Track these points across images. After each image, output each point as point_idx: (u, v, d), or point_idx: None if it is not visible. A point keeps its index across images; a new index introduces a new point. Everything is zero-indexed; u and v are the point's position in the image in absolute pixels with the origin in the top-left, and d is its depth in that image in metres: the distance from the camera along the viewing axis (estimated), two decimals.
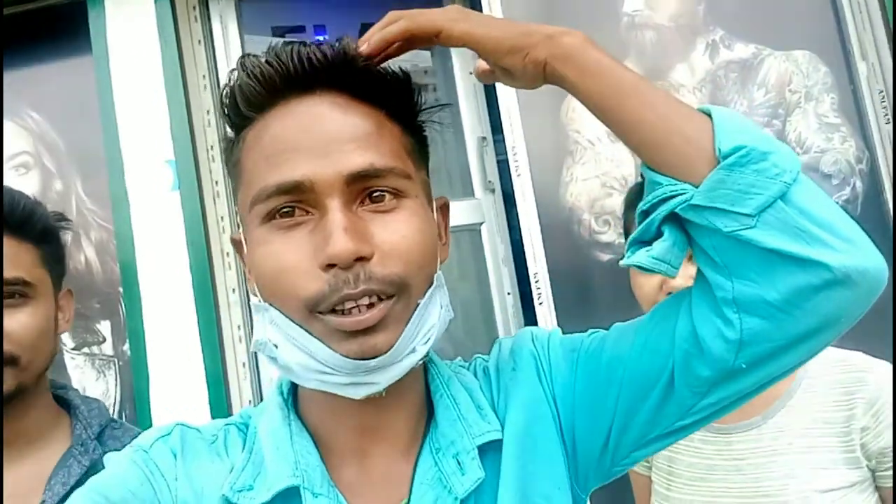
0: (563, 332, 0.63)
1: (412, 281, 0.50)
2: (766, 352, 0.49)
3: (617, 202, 1.43)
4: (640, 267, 0.50)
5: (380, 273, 0.48)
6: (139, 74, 1.55)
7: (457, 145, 1.81)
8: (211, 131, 1.59)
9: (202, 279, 1.52)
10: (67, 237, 0.83)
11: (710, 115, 0.49)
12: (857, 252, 0.46)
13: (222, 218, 1.58)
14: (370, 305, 0.48)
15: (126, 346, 1.57)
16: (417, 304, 0.51)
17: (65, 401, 0.82)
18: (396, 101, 0.54)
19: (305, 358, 0.50)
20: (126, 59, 1.56)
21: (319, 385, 0.51)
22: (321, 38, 1.81)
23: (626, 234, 1.13)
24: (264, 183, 0.49)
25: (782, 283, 0.46)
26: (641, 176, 0.53)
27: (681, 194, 0.48)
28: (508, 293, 1.76)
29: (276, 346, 0.51)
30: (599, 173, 1.46)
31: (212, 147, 1.59)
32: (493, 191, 1.77)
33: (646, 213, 0.51)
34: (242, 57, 0.53)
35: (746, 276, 0.47)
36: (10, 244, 0.74)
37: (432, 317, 0.53)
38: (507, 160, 1.53)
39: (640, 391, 0.54)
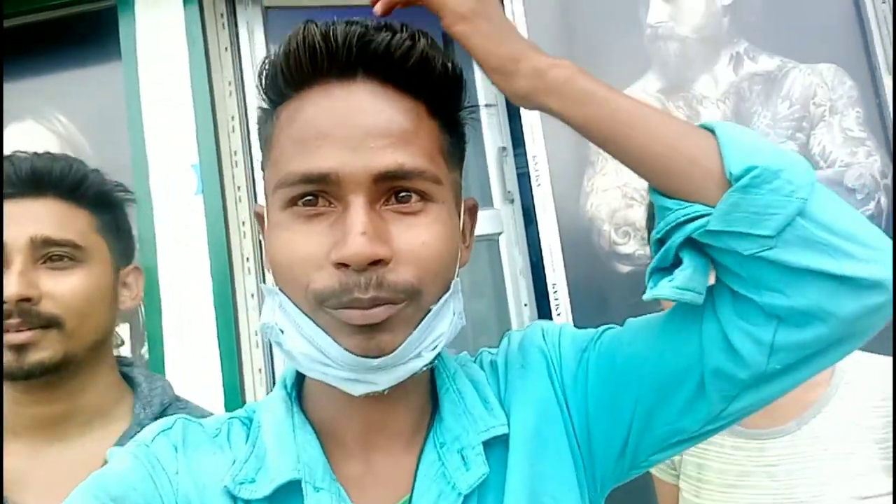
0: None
1: (425, 288, 0.49)
2: (800, 357, 0.48)
3: (638, 213, 1.42)
4: (665, 299, 0.49)
5: (392, 280, 0.47)
6: (166, 80, 1.58)
7: (476, 155, 1.82)
8: (235, 136, 1.61)
9: (222, 283, 1.52)
10: (131, 210, 0.82)
11: (713, 132, 0.48)
12: (883, 259, 0.45)
13: (244, 223, 1.59)
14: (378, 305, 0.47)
15: (144, 349, 1.58)
16: (429, 310, 0.50)
17: (130, 378, 0.80)
18: (440, 95, 0.52)
19: (310, 348, 0.49)
20: (154, 64, 1.59)
21: (321, 376, 0.50)
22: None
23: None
24: (291, 168, 0.48)
25: (812, 294, 0.45)
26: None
27: (694, 218, 0.47)
28: (525, 304, 1.75)
29: (283, 332, 0.50)
30: (620, 184, 1.45)
31: (235, 152, 1.61)
32: (512, 201, 1.77)
33: (661, 241, 0.50)
34: (297, 28, 0.50)
35: (774, 289, 0.46)
36: (62, 207, 0.73)
37: (443, 324, 0.51)
38: (527, 172, 1.53)
39: (662, 394, 0.53)
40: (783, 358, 0.48)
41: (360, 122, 0.48)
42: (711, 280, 0.51)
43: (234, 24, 1.64)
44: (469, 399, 0.56)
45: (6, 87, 1.69)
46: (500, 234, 1.76)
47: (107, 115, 1.64)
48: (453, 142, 0.54)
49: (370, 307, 0.46)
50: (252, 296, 1.58)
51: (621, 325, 0.60)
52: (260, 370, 1.56)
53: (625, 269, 1.46)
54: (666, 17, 1.42)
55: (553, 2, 1.50)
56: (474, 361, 0.62)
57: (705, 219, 0.46)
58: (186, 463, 0.51)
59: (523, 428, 0.55)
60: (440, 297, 0.51)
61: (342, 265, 0.46)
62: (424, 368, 0.52)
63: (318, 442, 0.53)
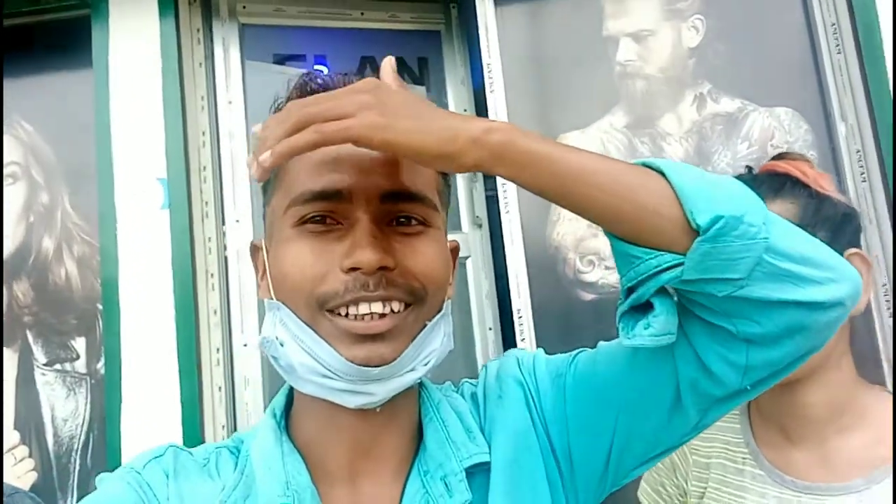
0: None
1: (428, 297, 0.53)
2: (771, 372, 0.52)
3: (602, 242, 1.45)
4: (644, 346, 0.50)
5: (400, 281, 0.51)
6: (138, 91, 1.56)
7: None
8: (205, 152, 1.60)
9: (185, 299, 1.50)
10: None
11: (661, 172, 0.48)
12: (840, 279, 0.49)
13: (209, 238, 1.57)
14: (382, 315, 0.51)
15: (100, 365, 1.54)
16: (426, 324, 0.54)
17: None
18: None
19: (309, 360, 0.51)
20: (126, 75, 1.57)
21: (317, 389, 0.52)
22: (322, 67, 1.84)
23: None
24: (307, 187, 0.52)
25: (781, 321, 0.48)
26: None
27: (666, 268, 0.47)
28: (490, 328, 1.76)
29: (283, 345, 0.53)
30: None
31: (204, 167, 1.60)
32: (480, 226, 1.80)
33: (631, 289, 0.50)
34: (303, 76, 0.56)
35: (747, 318, 0.49)
36: None
37: (435, 341, 0.55)
38: (496, 198, 1.55)
39: (641, 412, 0.56)
40: (756, 375, 0.52)
41: (372, 152, 0.51)
42: None
43: (209, 40, 1.64)
44: (452, 428, 0.58)
45: None
46: (467, 257, 1.78)
47: (73, 125, 1.61)
48: (444, 185, 0.59)
49: (376, 301, 0.50)
50: (215, 312, 1.56)
51: (591, 349, 0.62)
52: (220, 388, 1.53)
53: (588, 296, 1.48)
54: (634, 55, 1.47)
55: (526, 37, 1.54)
56: (456, 391, 0.64)
57: (679, 269, 0.47)
58: (177, 490, 0.52)
59: (502, 456, 0.57)
60: (435, 315, 0.54)
61: (352, 270, 0.49)
62: (416, 381, 0.55)
63: (307, 469, 0.54)
